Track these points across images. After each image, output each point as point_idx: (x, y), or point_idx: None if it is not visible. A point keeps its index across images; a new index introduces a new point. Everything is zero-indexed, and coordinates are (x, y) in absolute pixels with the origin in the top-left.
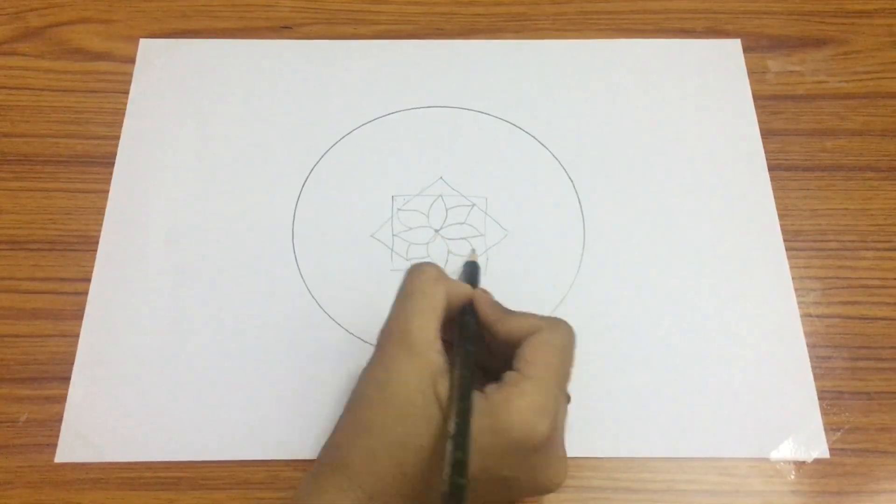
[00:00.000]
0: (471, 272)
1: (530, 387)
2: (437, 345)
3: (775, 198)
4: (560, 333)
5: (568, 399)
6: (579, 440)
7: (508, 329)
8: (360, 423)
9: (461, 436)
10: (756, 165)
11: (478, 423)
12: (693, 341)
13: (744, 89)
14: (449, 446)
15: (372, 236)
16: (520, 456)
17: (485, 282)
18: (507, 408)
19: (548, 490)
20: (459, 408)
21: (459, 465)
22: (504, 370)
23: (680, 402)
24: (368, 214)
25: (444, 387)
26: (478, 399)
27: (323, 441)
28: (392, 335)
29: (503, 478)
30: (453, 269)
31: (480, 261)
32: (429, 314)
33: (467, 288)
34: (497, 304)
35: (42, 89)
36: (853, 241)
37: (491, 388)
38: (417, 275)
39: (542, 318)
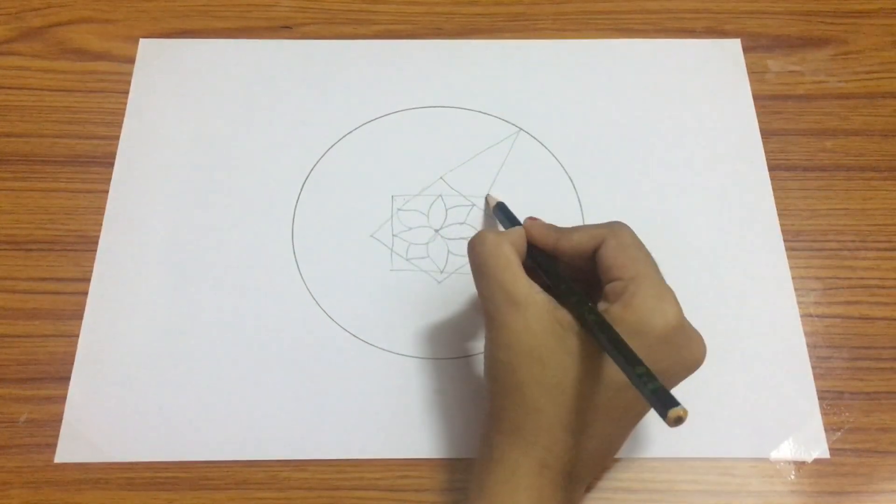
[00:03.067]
0: (504, 212)
1: (640, 285)
2: (535, 287)
3: (775, 198)
4: (626, 232)
5: None
6: None
7: (572, 245)
8: (511, 386)
9: (640, 364)
10: (756, 165)
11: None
12: None
13: (744, 89)
14: (641, 384)
15: (372, 236)
16: (665, 343)
17: None
18: (633, 307)
19: (696, 366)
20: (611, 336)
21: (662, 393)
22: (586, 282)
23: (680, 401)
24: (368, 214)
25: (564, 316)
26: (605, 314)
27: (323, 440)
28: (495, 301)
29: (658, 371)
30: (453, 268)
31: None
32: (513, 268)
33: (518, 229)
34: (549, 226)
35: (42, 89)
36: (853, 241)
37: (603, 305)
38: (481, 245)
39: (599, 226)
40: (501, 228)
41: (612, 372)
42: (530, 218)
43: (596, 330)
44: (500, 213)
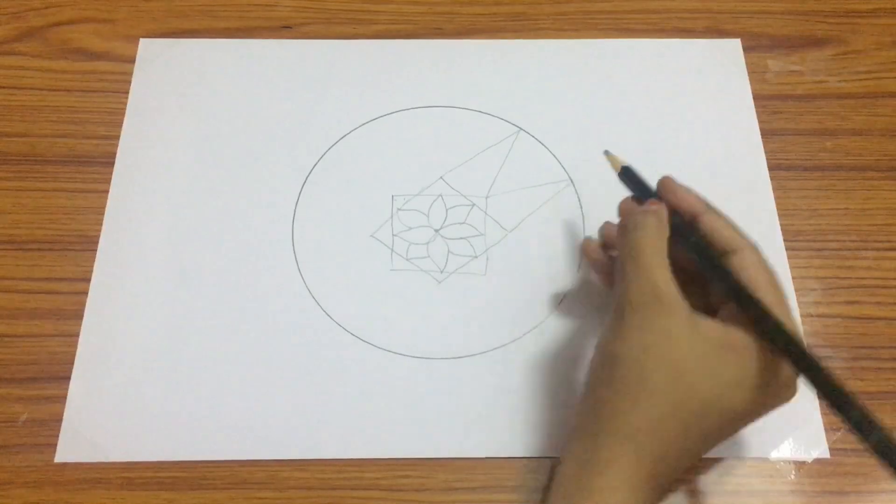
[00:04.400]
0: (632, 180)
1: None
2: (678, 290)
3: (775, 198)
4: (762, 255)
5: None
6: None
7: (712, 230)
8: (640, 389)
9: (848, 395)
10: (756, 165)
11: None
12: None
13: (744, 89)
14: (845, 416)
15: (372, 236)
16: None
17: (485, 281)
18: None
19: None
20: (819, 370)
21: (864, 421)
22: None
23: None
24: (368, 214)
25: (709, 327)
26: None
27: (323, 440)
28: (643, 296)
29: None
30: (452, 268)
31: (480, 260)
32: (666, 265)
33: (663, 211)
34: (694, 194)
35: (42, 89)
36: (853, 241)
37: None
38: (643, 230)
39: (740, 233)
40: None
41: (743, 402)
42: (668, 178)
43: (754, 312)
44: (628, 180)
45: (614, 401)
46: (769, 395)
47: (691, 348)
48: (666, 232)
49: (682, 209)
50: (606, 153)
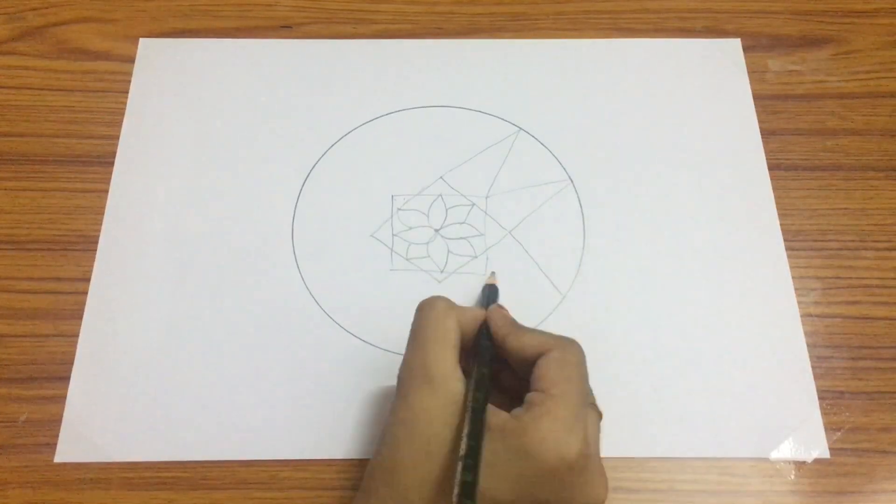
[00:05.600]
0: (489, 296)
1: (556, 405)
2: (458, 374)
3: (775, 198)
4: (574, 351)
5: (599, 415)
6: None
7: (520, 345)
8: (389, 464)
9: (471, 457)
10: (756, 165)
11: (508, 445)
12: (693, 341)
13: (744, 89)
14: (458, 467)
15: (372, 236)
16: (555, 477)
17: (485, 281)
18: (537, 427)
19: None
20: (470, 429)
21: (468, 487)
22: (525, 391)
23: (680, 402)
24: (368, 214)
25: (491, 414)
26: (506, 421)
27: (323, 440)
28: (412, 372)
29: (540, 502)
30: (452, 268)
31: (480, 260)
32: (444, 345)
33: (479, 310)
34: (510, 320)
35: (42, 89)
36: (853, 241)
37: (517, 411)
38: (428, 310)
39: (553, 336)
40: (465, 304)
41: (499, 490)
42: (498, 306)
43: (468, 419)
44: (485, 291)
45: (368, 476)
46: (537, 489)
47: (449, 427)
48: (453, 315)
49: (490, 326)
50: (491, 273)
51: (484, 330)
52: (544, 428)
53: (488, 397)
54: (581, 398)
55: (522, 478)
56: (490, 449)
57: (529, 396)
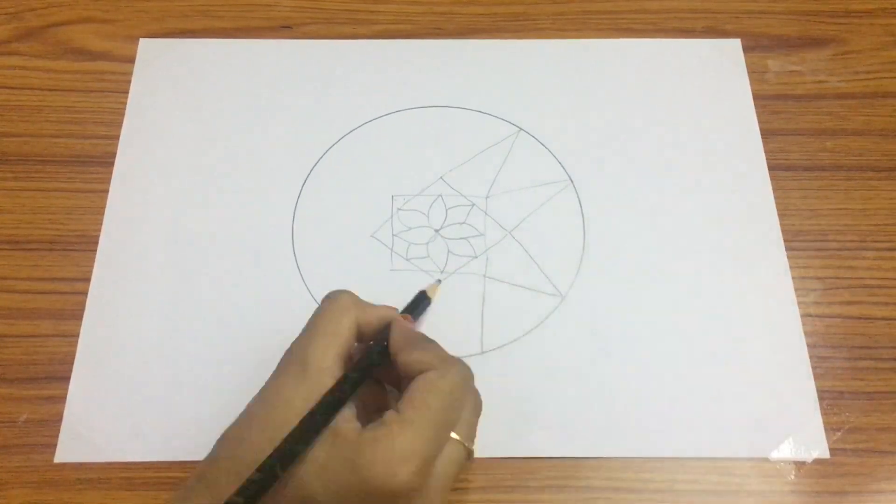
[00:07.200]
0: (416, 301)
1: (402, 430)
2: (335, 371)
3: (775, 198)
4: (449, 377)
5: (468, 453)
6: (579, 440)
7: (407, 362)
8: (235, 438)
9: (272, 459)
10: (756, 165)
11: (343, 455)
12: (693, 341)
13: (744, 89)
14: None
15: (372, 236)
16: (379, 501)
17: (485, 281)
18: (373, 447)
19: None
20: (292, 433)
21: (245, 489)
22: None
23: (680, 402)
24: (368, 214)
25: (341, 416)
26: (349, 431)
27: None
28: (292, 356)
29: None
30: (452, 268)
31: (480, 260)
32: (331, 339)
33: (386, 312)
34: (408, 334)
35: (42, 89)
36: (853, 241)
37: (372, 425)
38: (328, 302)
39: (440, 357)
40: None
41: (322, 486)
42: (405, 315)
43: (301, 420)
44: (415, 298)
45: (227, 437)
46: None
47: (297, 416)
48: (352, 314)
49: (390, 334)
50: (437, 282)
51: (384, 335)
52: (379, 449)
53: (344, 401)
54: (435, 428)
55: (350, 491)
56: (328, 453)
57: (386, 414)
